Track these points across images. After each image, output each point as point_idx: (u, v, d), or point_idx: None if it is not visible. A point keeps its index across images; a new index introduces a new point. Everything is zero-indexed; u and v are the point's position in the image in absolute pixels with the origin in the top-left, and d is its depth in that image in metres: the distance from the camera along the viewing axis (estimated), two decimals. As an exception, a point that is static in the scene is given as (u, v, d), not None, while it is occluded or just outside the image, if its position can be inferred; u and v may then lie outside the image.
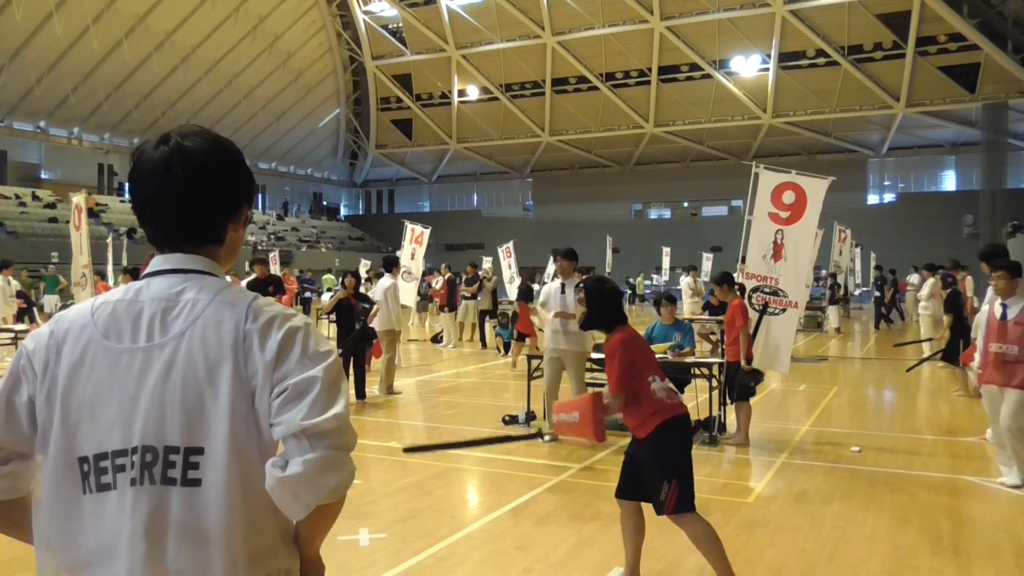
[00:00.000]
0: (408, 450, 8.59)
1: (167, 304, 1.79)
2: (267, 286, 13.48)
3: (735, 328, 9.35)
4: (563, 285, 9.54)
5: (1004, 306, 7.62)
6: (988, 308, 7.85)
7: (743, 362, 9.23)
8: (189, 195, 1.83)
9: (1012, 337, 7.45)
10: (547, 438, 9.54)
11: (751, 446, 9.38)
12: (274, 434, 1.75)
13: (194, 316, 1.77)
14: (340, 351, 12.09)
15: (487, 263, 20.14)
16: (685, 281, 22.61)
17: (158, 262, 1.86)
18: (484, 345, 20.47)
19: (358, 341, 12.46)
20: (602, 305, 5.26)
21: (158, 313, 1.78)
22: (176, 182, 1.81)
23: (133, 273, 14.05)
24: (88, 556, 1.74)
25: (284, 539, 1.84)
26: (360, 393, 12.41)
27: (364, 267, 29.04)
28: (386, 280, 13.32)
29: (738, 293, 9.83)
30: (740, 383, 9.36)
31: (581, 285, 5.56)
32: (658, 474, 4.89)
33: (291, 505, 1.74)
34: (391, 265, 13.76)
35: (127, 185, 1.90)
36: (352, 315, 12.57)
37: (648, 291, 43.45)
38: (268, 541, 1.80)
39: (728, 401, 9.89)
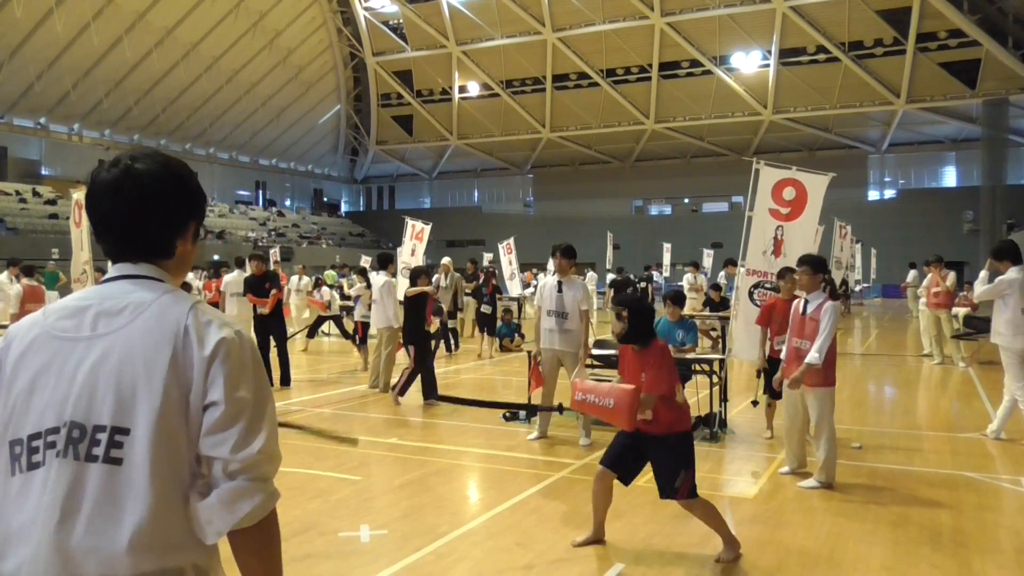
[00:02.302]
0: (429, 400, 8.51)
1: (114, 302, 1.90)
2: (264, 282, 13.47)
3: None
4: (560, 283, 9.24)
5: (806, 301, 7.66)
6: (797, 303, 7.83)
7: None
8: (137, 213, 1.96)
9: (807, 332, 7.50)
10: (535, 436, 9.54)
11: (749, 443, 9.39)
12: (201, 448, 1.86)
13: (139, 311, 1.88)
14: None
15: (445, 259, 19.68)
16: (686, 277, 22.58)
17: (112, 270, 1.99)
18: (448, 349, 18.80)
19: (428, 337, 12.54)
20: (644, 321, 5.81)
21: (105, 309, 1.88)
22: (125, 201, 1.95)
23: (27, 271, 13.99)
24: (9, 536, 1.79)
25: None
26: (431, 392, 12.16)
27: (365, 263, 29.04)
28: (381, 277, 13.32)
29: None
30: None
31: (621, 302, 5.92)
32: (676, 465, 5.59)
33: (203, 529, 1.86)
34: (386, 262, 13.74)
35: (84, 204, 2.08)
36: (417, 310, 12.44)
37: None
38: (183, 532, 1.85)
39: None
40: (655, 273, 31.90)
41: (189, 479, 1.86)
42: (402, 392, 11.92)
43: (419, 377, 11.92)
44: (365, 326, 16.16)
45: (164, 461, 1.80)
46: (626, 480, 5.88)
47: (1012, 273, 9.25)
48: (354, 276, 20.09)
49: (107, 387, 1.80)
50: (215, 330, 1.89)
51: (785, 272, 8.94)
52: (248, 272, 13.94)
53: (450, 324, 18.89)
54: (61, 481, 1.76)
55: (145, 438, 1.78)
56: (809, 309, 7.56)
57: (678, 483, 5.55)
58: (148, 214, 1.96)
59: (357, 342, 16.46)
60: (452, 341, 18.98)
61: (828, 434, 7.43)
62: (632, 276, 27.48)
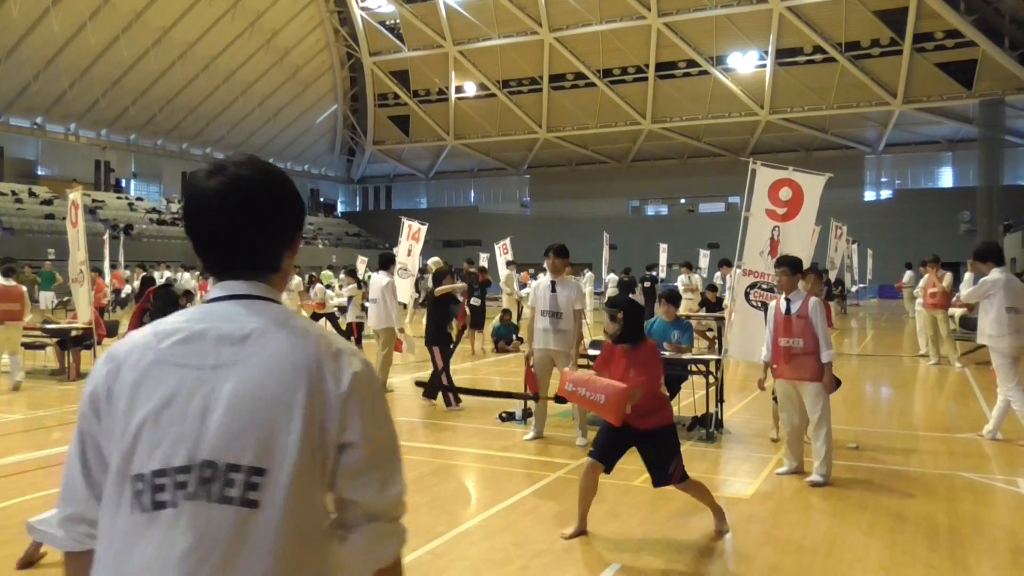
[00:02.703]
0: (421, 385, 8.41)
1: (234, 327, 1.75)
2: None
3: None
4: (553, 283, 9.21)
5: (788, 301, 7.76)
6: (775, 304, 7.96)
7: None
8: (247, 226, 1.82)
9: (796, 331, 7.61)
10: (531, 436, 9.55)
11: (746, 443, 9.39)
12: (339, 490, 1.78)
13: (264, 341, 1.74)
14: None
15: (433, 259, 19.31)
16: (680, 278, 22.58)
17: (219, 289, 1.84)
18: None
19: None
20: (637, 323, 6.26)
21: (226, 335, 1.74)
22: (234, 213, 1.81)
23: (6, 271, 13.78)
24: None
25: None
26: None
27: (362, 263, 29.07)
28: (383, 278, 13.28)
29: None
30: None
31: (615, 304, 6.33)
32: (667, 455, 6.04)
33: (350, 570, 1.80)
34: (388, 263, 13.71)
35: (184, 214, 1.87)
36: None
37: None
38: (315, 574, 1.76)
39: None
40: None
41: (322, 521, 1.77)
42: (455, 400, 11.61)
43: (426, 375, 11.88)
44: (360, 327, 16.14)
45: (301, 503, 1.69)
46: (608, 469, 6.18)
47: (995, 274, 9.33)
48: (344, 276, 19.96)
49: (241, 424, 1.67)
50: (347, 363, 1.78)
51: (806, 272, 8.97)
52: None
53: None
54: (194, 524, 1.63)
55: (282, 479, 1.67)
56: (794, 308, 7.68)
57: (671, 470, 6.02)
58: (258, 226, 1.83)
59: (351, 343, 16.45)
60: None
61: (828, 428, 7.57)
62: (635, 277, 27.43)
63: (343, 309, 18.29)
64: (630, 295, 15.97)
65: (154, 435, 1.67)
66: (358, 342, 16.04)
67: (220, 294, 1.83)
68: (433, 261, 18.86)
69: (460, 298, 12.85)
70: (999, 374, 9.37)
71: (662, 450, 6.06)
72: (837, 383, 8.44)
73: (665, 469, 6.02)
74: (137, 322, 5.51)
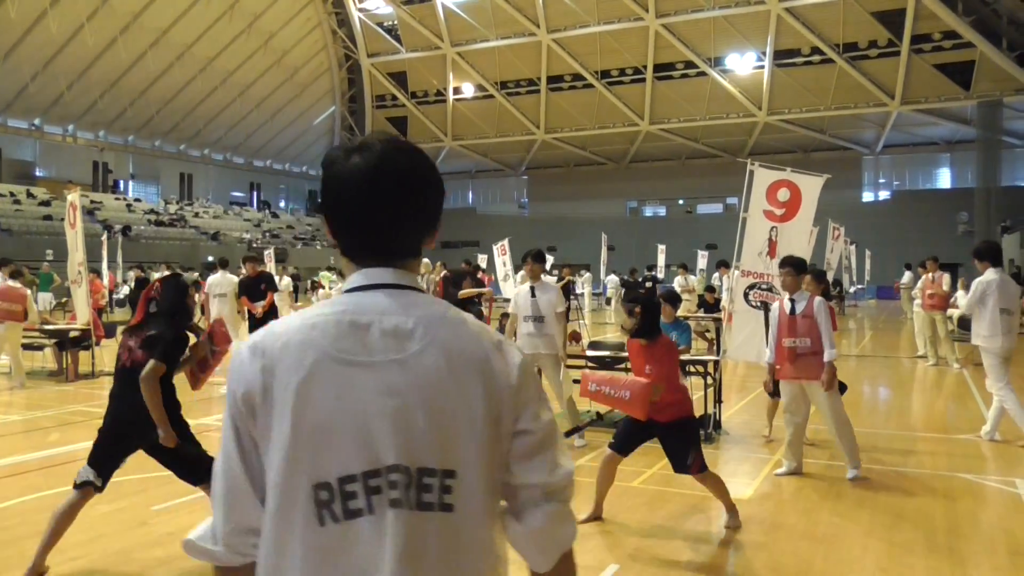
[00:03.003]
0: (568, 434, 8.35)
1: (396, 319, 1.64)
2: (259, 283, 13.47)
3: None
4: (533, 288, 9.21)
5: (792, 301, 7.80)
6: (779, 304, 8.03)
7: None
8: (401, 209, 1.71)
9: (802, 331, 7.67)
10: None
11: (744, 444, 9.39)
12: (514, 476, 1.71)
13: (432, 336, 1.64)
14: None
15: (424, 260, 19.08)
16: (676, 279, 22.54)
17: (363, 277, 1.71)
18: None
19: None
20: (654, 318, 6.53)
21: (389, 328, 1.63)
22: (387, 193, 1.69)
23: (14, 273, 13.83)
24: None
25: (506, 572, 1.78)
26: None
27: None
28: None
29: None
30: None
31: (634, 299, 6.61)
32: (687, 446, 6.28)
33: (536, 557, 1.75)
34: None
35: (321, 195, 1.76)
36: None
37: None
38: (506, 571, 1.75)
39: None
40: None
41: (500, 514, 1.72)
42: None
43: None
44: None
45: (489, 501, 1.65)
46: (625, 454, 6.57)
47: (989, 274, 9.34)
48: (334, 275, 19.92)
49: (424, 423, 1.58)
50: (511, 353, 1.71)
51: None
52: (243, 274, 13.94)
53: None
54: (399, 531, 1.54)
55: (473, 478, 1.61)
56: (799, 309, 7.74)
57: (690, 461, 6.24)
58: (411, 211, 1.72)
59: None
60: None
61: (847, 424, 7.77)
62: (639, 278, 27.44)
63: None
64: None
65: (331, 439, 1.56)
66: None
67: (365, 282, 1.70)
68: (424, 263, 18.83)
69: (483, 304, 12.71)
70: (990, 374, 9.39)
71: (681, 441, 6.30)
72: (842, 388, 8.46)
73: (684, 459, 6.25)
74: (142, 312, 5.49)
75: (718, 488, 6.41)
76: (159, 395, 5.28)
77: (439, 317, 1.67)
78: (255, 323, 13.33)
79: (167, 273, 5.97)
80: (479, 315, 11.82)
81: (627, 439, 6.52)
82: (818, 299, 7.77)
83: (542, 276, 9.49)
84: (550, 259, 34.87)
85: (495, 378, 1.66)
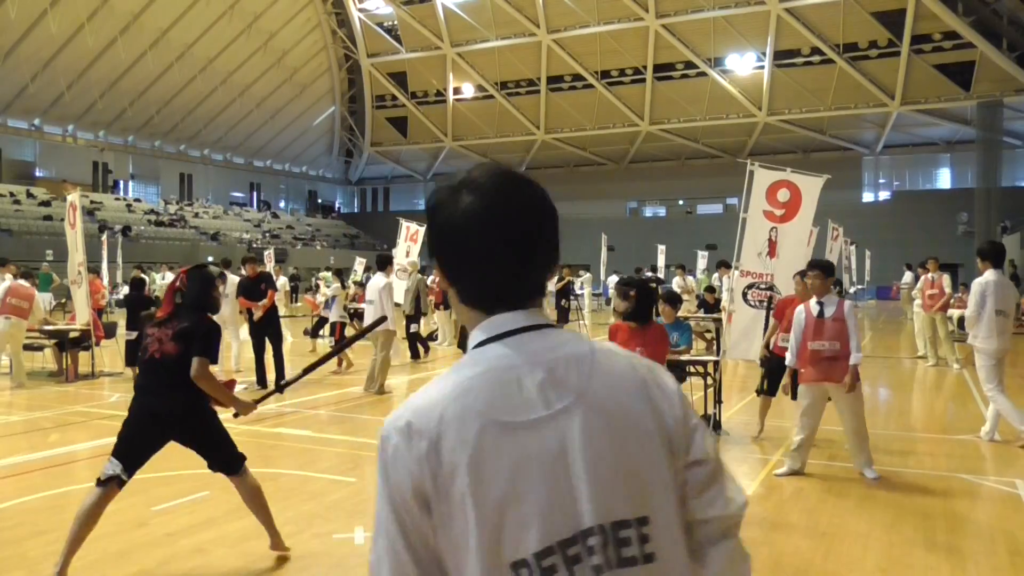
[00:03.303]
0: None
1: (545, 368, 1.49)
2: (258, 284, 13.47)
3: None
4: None
5: (820, 304, 7.81)
6: (803, 307, 7.99)
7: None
8: (526, 247, 1.57)
9: (831, 334, 7.67)
10: None
11: (744, 444, 9.39)
12: (694, 512, 1.58)
13: (585, 374, 1.51)
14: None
15: (412, 259, 18.69)
16: (675, 280, 22.53)
17: (495, 325, 1.55)
18: (415, 355, 17.65)
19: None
20: (648, 302, 6.76)
21: (545, 376, 1.48)
22: (511, 234, 1.55)
23: (24, 274, 13.98)
24: None
25: None
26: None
27: (360, 265, 29.07)
28: (380, 279, 13.28)
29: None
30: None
31: (629, 283, 6.86)
32: None
33: None
34: (384, 264, 13.75)
35: (434, 240, 1.62)
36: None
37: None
38: None
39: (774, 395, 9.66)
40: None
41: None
42: None
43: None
44: (342, 327, 16.12)
45: (683, 540, 1.54)
46: None
47: (988, 275, 9.34)
48: (329, 276, 19.84)
49: (608, 474, 1.46)
50: (665, 379, 1.59)
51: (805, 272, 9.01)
52: (244, 274, 13.96)
53: (412, 328, 17.63)
54: None
55: (667, 521, 1.50)
56: (828, 312, 7.75)
57: None
58: (536, 245, 1.58)
59: (333, 344, 16.31)
60: (418, 347, 17.82)
61: (865, 426, 7.86)
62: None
63: (357, 313, 18.05)
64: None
65: (520, 513, 1.41)
66: (339, 343, 15.94)
67: (500, 331, 1.54)
68: (410, 262, 18.74)
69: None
70: (981, 375, 9.40)
71: None
72: None
73: None
74: (170, 304, 5.47)
75: None
76: (215, 381, 5.33)
77: (588, 354, 1.54)
78: (254, 324, 13.33)
79: (192, 265, 5.92)
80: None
81: None
82: (848, 302, 7.84)
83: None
84: (550, 259, 34.89)
85: (661, 409, 1.54)
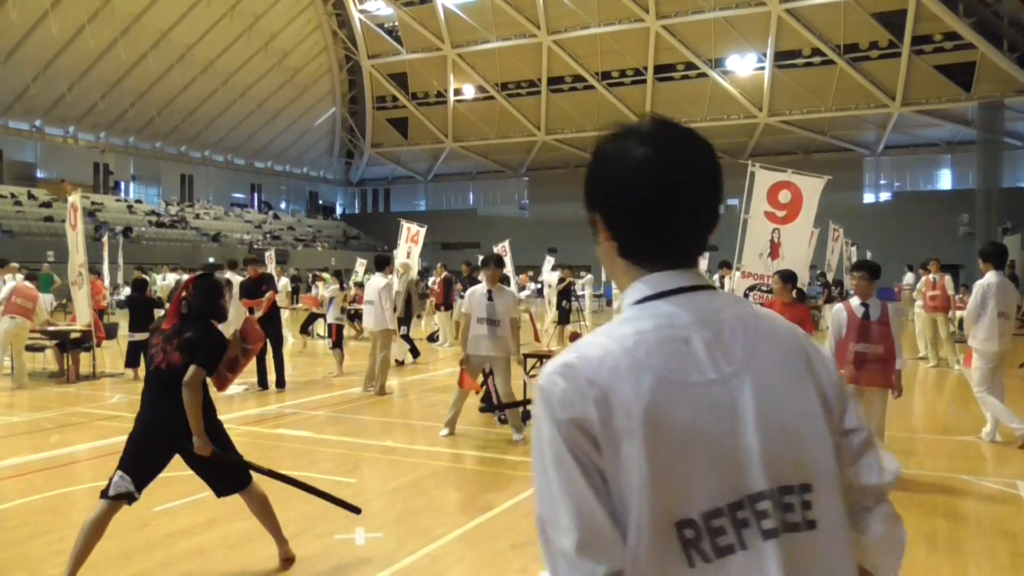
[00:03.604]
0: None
1: (713, 328, 1.48)
2: (260, 285, 13.47)
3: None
4: (490, 292, 9.53)
5: (865, 306, 7.77)
6: (845, 307, 7.93)
7: None
8: (701, 201, 1.55)
9: (876, 337, 7.67)
10: (445, 432, 9.77)
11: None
12: (853, 479, 1.59)
13: (752, 337, 1.50)
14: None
15: (402, 260, 18.39)
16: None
17: (658, 282, 1.53)
18: (414, 354, 17.44)
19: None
20: None
21: (710, 339, 1.47)
22: (689, 187, 1.53)
23: (28, 276, 14.02)
24: None
25: None
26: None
27: (361, 266, 29.07)
28: (379, 279, 13.29)
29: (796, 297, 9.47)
30: None
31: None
32: None
33: (891, 564, 1.65)
34: (383, 264, 13.78)
35: (599, 191, 1.63)
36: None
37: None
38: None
39: None
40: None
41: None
42: (502, 411, 10.78)
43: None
44: (339, 328, 16.08)
45: (844, 508, 1.52)
46: None
47: (990, 277, 9.33)
48: (328, 277, 19.79)
49: (776, 438, 1.44)
50: (819, 346, 1.59)
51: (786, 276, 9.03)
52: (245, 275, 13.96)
53: (402, 331, 16.93)
54: (778, 562, 1.40)
55: (828, 487, 1.48)
56: (873, 314, 7.72)
57: None
58: (710, 201, 1.56)
59: (331, 345, 16.23)
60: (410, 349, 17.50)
61: (884, 429, 8.01)
62: None
63: (357, 314, 18.00)
64: None
65: (688, 473, 1.40)
66: (337, 344, 15.86)
67: (663, 288, 1.53)
68: (401, 264, 18.67)
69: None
70: (975, 376, 9.39)
71: None
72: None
73: None
74: (175, 313, 5.38)
75: None
76: (200, 401, 5.17)
77: (753, 317, 1.53)
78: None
79: (199, 272, 5.83)
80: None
81: None
82: (892, 305, 7.86)
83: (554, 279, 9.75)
84: (551, 260, 34.89)
85: (820, 375, 1.53)
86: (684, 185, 1.52)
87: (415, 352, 17.42)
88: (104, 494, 5.05)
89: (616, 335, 1.47)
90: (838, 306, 8.09)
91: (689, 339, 1.45)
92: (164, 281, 31.96)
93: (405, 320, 17.20)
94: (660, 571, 1.37)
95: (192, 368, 5.10)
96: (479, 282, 9.89)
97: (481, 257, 10.65)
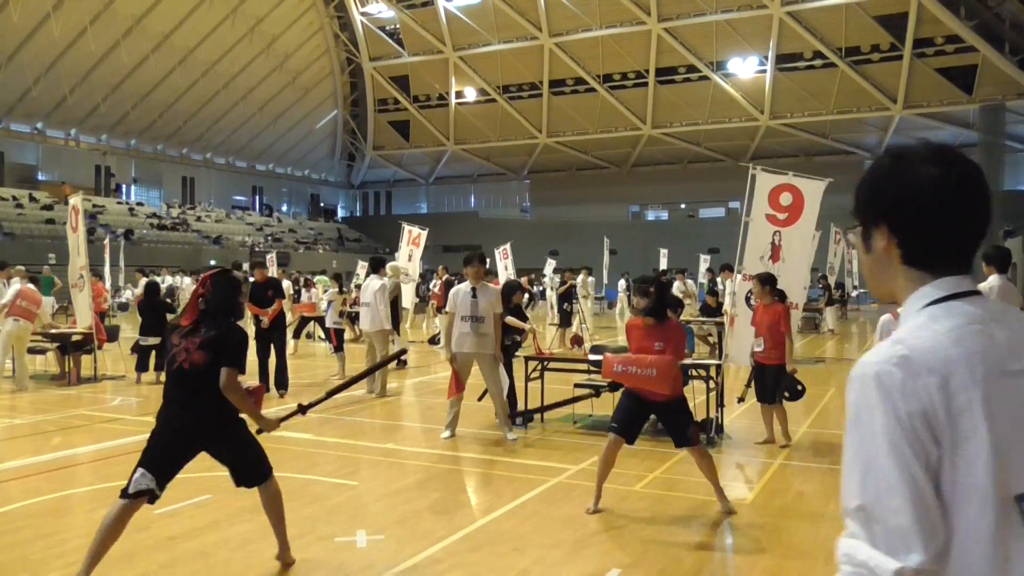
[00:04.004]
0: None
1: (1009, 324, 1.66)
2: (266, 289, 13.43)
3: (779, 332, 9.21)
4: (474, 289, 9.62)
5: None
6: (893, 318, 7.48)
7: (789, 366, 9.18)
8: (983, 217, 1.73)
9: None
10: (447, 435, 9.76)
11: (746, 448, 9.38)
12: None
13: None
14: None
15: (391, 263, 18.23)
16: (676, 284, 22.48)
17: (946, 286, 1.69)
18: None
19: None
20: (665, 299, 7.11)
21: (1011, 334, 1.64)
22: (975, 205, 1.71)
23: (31, 279, 14.14)
24: None
25: None
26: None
27: (362, 268, 29.08)
28: (375, 281, 13.32)
29: (777, 297, 9.51)
30: (788, 387, 9.34)
31: (647, 280, 7.13)
32: (686, 420, 6.82)
33: None
34: (378, 266, 13.82)
35: (893, 205, 1.75)
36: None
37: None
38: None
39: (771, 401, 9.62)
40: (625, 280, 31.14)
41: None
42: (514, 420, 10.57)
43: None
44: (339, 332, 16.04)
45: None
46: (631, 440, 6.89)
47: (992, 280, 9.30)
48: (327, 280, 19.72)
49: None
50: None
51: (766, 279, 9.14)
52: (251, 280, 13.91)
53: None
54: None
55: None
56: None
57: (689, 433, 6.76)
58: (987, 218, 1.74)
59: (332, 350, 16.18)
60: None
61: None
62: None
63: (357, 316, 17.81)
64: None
65: (1020, 450, 1.56)
66: (337, 348, 15.82)
67: (952, 291, 1.69)
68: (391, 266, 18.55)
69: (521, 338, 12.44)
70: None
71: (678, 416, 6.82)
72: (799, 393, 8.63)
73: (684, 433, 6.75)
74: (193, 310, 5.35)
75: (709, 467, 6.81)
76: (243, 392, 5.22)
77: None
78: (261, 332, 13.22)
79: (216, 270, 5.80)
80: (515, 345, 11.56)
81: (629, 421, 6.83)
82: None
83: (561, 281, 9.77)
84: (552, 263, 34.88)
85: None
86: (973, 200, 1.69)
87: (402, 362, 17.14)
88: (124, 493, 5.02)
89: (938, 328, 1.62)
90: (885, 316, 7.48)
91: (994, 334, 1.62)
92: (163, 284, 31.99)
93: (393, 326, 17.03)
94: (1002, 540, 1.52)
95: (224, 371, 5.10)
96: (463, 281, 9.92)
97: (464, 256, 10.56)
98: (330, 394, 5.70)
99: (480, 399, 10.71)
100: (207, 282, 5.41)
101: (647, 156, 59.38)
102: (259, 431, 5.48)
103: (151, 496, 5.06)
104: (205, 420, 5.16)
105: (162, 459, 5.13)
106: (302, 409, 5.96)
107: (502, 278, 24.83)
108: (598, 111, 56.86)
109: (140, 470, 5.06)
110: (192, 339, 5.21)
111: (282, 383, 13.30)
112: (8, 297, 13.46)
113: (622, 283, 26.46)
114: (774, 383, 9.28)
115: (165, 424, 5.21)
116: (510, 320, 10.75)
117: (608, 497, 6.95)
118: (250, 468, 5.41)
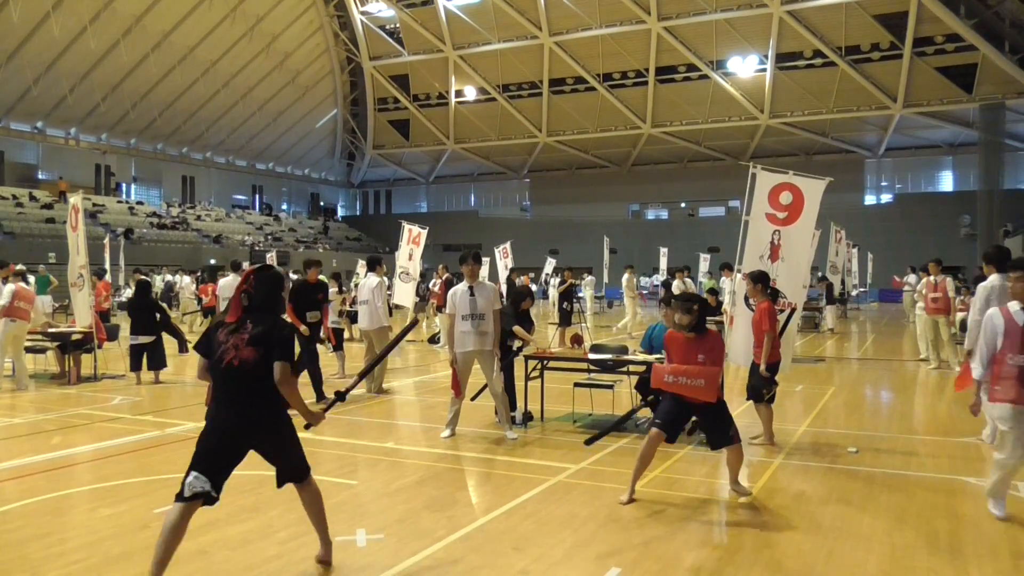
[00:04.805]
0: (589, 442, 8.29)
1: None
2: (318, 291, 12.81)
3: (761, 331, 9.18)
4: (471, 288, 9.63)
5: None
6: (1001, 312, 6.60)
7: (762, 367, 9.13)
8: None
9: None
10: (447, 434, 9.80)
11: (746, 448, 9.38)
12: None
13: None
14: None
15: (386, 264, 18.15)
16: (675, 284, 22.43)
17: None
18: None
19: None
20: (705, 315, 7.49)
21: None
22: None
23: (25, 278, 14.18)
24: None
25: None
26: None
27: (362, 267, 29.08)
28: (372, 279, 13.32)
29: (769, 295, 9.46)
30: (753, 386, 9.32)
31: (690, 298, 7.52)
32: (728, 422, 7.20)
33: None
34: (375, 264, 13.79)
35: None
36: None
37: (645, 291, 43.19)
38: None
39: (757, 400, 9.59)
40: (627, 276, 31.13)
41: None
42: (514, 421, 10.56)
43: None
44: (339, 332, 15.99)
45: None
46: (672, 438, 7.32)
47: (993, 279, 9.30)
48: (328, 280, 19.65)
49: None
50: None
51: (759, 278, 9.19)
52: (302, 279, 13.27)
53: None
54: None
55: None
56: None
57: (731, 432, 7.15)
58: None
59: (331, 349, 16.08)
60: None
61: None
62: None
63: (352, 316, 17.83)
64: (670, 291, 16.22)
65: None
66: (337, 347, 15.73)
67: None
68: (441, 268, 18.63)
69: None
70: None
71: (720, 418, 7.19)
72: (761, 396, 8.70)
73: (726, 432, 7.13)
74: (237, 306, 5.29)
75: (739, 460, 7.28)
76: (296, 387, 5.15)
77: None
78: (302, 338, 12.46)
79: (259, 264, 5.73)
80: (515, 351, 11.34)
81: (674, 420, 7.19)
82: None
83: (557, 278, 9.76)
84: (552, 263, 34.85)
85: None
86: None
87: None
88: (179, 496, 4.95)
89: None
90: (992, 311, 6.70)
91: None
92: (161, 282, 32.06)
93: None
94: None
95: (278, 366, 5.02)
96: (461, 281, 9.89)
97: (483, 259, 10.54)
98: (362, 375, 5.73)
99: (473, 399, 10.70)
100: (250, 277, 5.35)
101: (647, 155, 59.40)
102: (307, 426, 5.46)
103: (207, 498, 4.99)
104: (257, 420, 5.09)
105: (213, 460, 5.05)
106: (340, 396, 5.89)
107: (502, 277, 24.86)
108: (598, 110, 56.87)
109: (193, 473, 4.98)
110: (239, 335, 5.13)
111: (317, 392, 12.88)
112: (5, 299, 13.43)
113: (626, 276, 26.31)
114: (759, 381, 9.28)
115: (216, 425, 5.11)
116: (517, 331, 10.65)
117: (608, 497, 6.95)
118: (295, 466, 5.37)
